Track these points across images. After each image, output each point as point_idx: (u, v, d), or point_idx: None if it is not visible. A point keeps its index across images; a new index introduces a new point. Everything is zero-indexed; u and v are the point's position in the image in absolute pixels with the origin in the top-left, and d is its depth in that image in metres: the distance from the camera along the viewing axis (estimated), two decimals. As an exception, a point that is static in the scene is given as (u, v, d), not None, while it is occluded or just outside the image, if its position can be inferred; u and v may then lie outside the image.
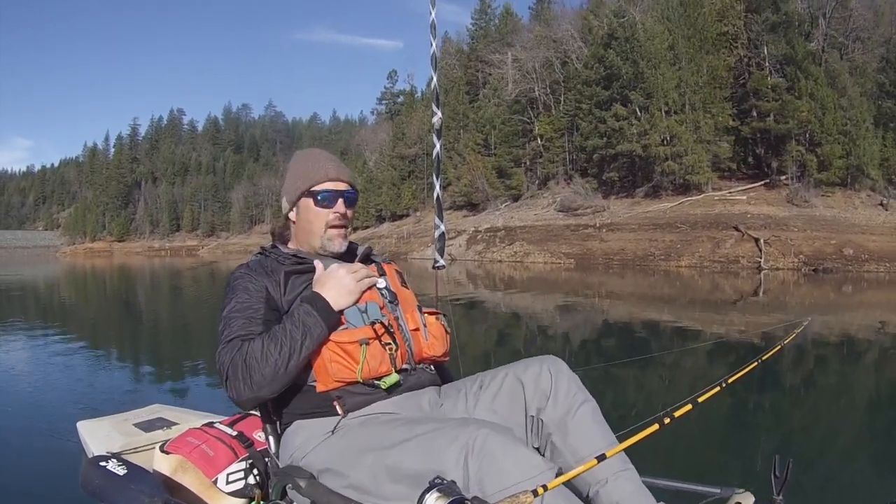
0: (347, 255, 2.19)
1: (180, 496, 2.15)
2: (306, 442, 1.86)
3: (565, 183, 42.37)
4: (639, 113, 38.01)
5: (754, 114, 36.41)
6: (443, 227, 2.76)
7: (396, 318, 2.01)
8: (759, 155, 36.57)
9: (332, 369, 1.85)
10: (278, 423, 2.01)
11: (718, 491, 1.90)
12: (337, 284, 1.93)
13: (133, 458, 2.38)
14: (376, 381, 1.88)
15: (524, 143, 47.25)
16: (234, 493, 2.15)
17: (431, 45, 2.87)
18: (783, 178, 33.76)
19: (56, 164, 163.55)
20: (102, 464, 2.24)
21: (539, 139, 45.71)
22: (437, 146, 2.86)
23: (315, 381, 1.88)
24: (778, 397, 6.16)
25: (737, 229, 28.97)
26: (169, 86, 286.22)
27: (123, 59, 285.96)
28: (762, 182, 34.70)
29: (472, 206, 47.09)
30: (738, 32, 38.73)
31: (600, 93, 40.51)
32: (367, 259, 2.20)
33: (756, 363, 2.12)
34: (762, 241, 27.27)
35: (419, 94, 72.14)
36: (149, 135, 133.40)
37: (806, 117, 32.81)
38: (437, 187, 2.82)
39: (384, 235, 49.73)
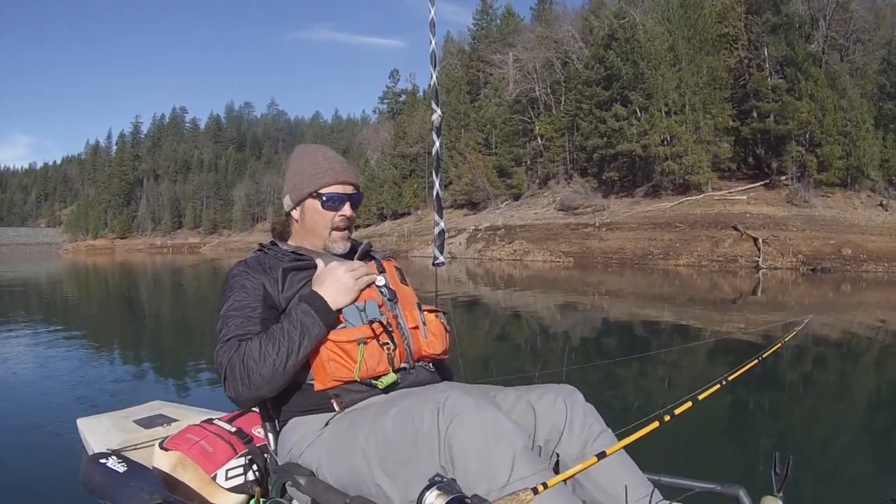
0: (347, 252, 2.20)
1: (180, 492, 2.16)
2: (303, 438, 1.87)
3: (565, 182, 42.41)
4: (639, 113, 38.04)
5: (754, 114, 36.40)
6: (442, 225, 2.79)
7: (395, 317, 2.01)
8: (759, 155, 36.57)
9: (329, 368, 1.86)
10: (277, 419, 2.02)
11: (718, 488, 1.90)
12: (335, 283, 1.93)
13: (133, 455, 2.38)
14: (374, 381, 1.88)
15: (525, 142, 47.30)
16: (234, 489, 2.17)
17: (431, 42, 2.88)
18: (783, 178, 33.77)
19: (58, 162, 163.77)
20: (102, 461, 2.23)
21: (539, 139, 45.77)
22: (437, 143, 2.85)
23: (313, 379, 1.90)
24: (778, 395, 6.19)
25: (735, 229, 29.01)
26: (172, 84, 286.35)
27: (126, 57, 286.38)
28: (762, 182, 34.71)
29: (473, 205, 47.13)
30: (738, 34, 38.77)
31: (600, 93, 40.53)
32: (366, 255, 2.20)
33: (756, 361, 2.13)
34: (761, 240, 27.31)
35: (421, 93, 72.18)
36: (151, 132, 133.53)
37: (806, 118, 32.81)
38: (437, 185, 2.84)
39: (385, 233, 49.77)
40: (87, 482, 2.21)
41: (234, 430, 2.33)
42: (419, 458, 1.56)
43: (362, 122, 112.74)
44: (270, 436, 2.02)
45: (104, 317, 14.46)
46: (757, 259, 26.57)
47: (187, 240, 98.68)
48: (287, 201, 2.17)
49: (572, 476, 1.46)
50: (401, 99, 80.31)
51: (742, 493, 1.83)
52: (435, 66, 2.93)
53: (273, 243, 2.19)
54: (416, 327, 2.05)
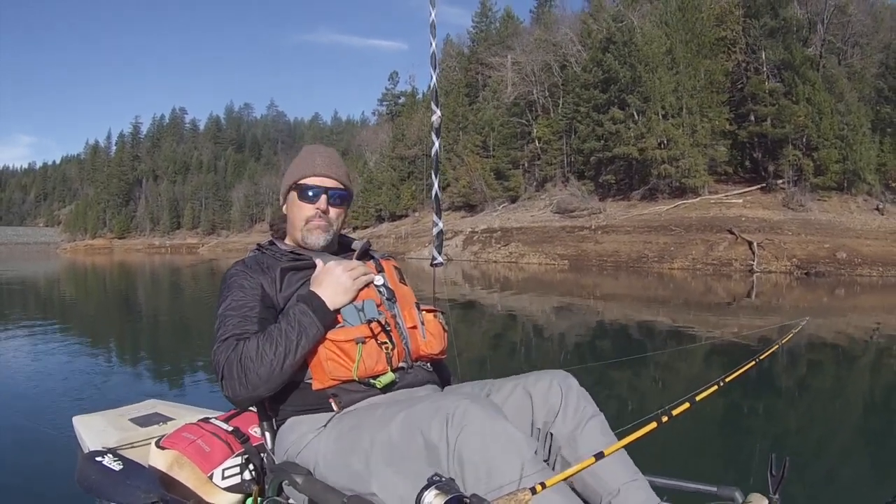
0: (345, 251, 2.22)
1: (176, 491, 2.17)
2: (301, 438, 1.86)
3: (563, 185, 42.43)
4: (636, 116, 38.09)
5: (752, 118, 36.48)
6: (441, 225, 2.81)
7: (394, 316, 2.01)
8: (756, 159, 36.60)
9: (328, 367, 1.85)
10: (274, 419, 2.00)
11: (715, 489, 1.90)
12: (333, 282, 1.92)
13: (129, 454, 2.36)
14: (372, 380, 1.88)
15: (522, 145, 47.37)
16: (230, 489, 2.17)
17: (431, 44, 2.89)
18: (780, 182, 33.80)
19: (58, 162, 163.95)
20: (98, 459, 2.21)
21: (537, 141, 45.81)
22: (436, 144, 2.86)
23: (311, 378, 1.89)
24: (774, 397, 6.24)
25: (731, 232, 29.02)
26: (171, 85, 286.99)
27: (126, 57, 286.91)
28: (759, 186, 34.76)
29: (471, 208, 47.19)
30: (736, 37, 38.81)
31: (598, 96, 40.59)
32: (365, 255, 2.21)
33: (753, 362, 2.14)
34: (755, 244, 27.32)
35: (420, 95, 72.23)
36: (150, 133, 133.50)
37: (803, 122, 32.85)
38: (436, 185, 2.85)
39: (383, 235, 49.76)
40: (82, 480, 2.20)
41: (230, 429, 2.34)
42: (425, 467, 1.54)
43: (361, 123, 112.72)
44: (268, 435, 2.02)
45: (101, 316, 14.49)
46: (751, 263, 26.60)
47: (185, 240, 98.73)
48: (281, 198, 2.21)
49: (571, 476, 1.46)
50: (400, 101, 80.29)
51: (738, 495, 1.84)
52: (435, 68, 2.95)
53: (271, 243, 2.20)
54: (415, 327, 2.05)
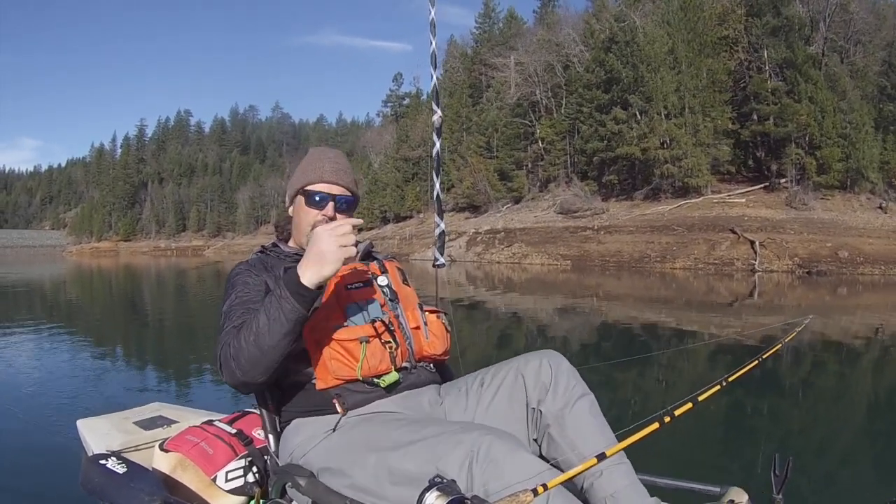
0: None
1: (180, 494, 2.16)
2: (306, 440, 1.86)
3: (566, 185, 42.44)
4: (638, 116, 38.11)
5: (754, 117, 36.40)
6: (443, 226, 2.73)
7: (397, 316, 2.01)
8: (759, 158, 36.59)
9: (331, 367, 1.85)
10: (278, 420, 2.01)
11: (718, 489, 1.88)
12: (317, 254, 1.72)
13: (133, 457, 2.34)
14: (376, 380, 1.88)
15: (526, 145, 47.36)
16: (234, 491, 2.17)
17: (431, 44, 2.82)
18: (783, 181, 33.74)
19: (63, 165, 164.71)
20: (102, 462, 2.20)
21: (540, 142, 45.82)
22: (437, 144, 2.79)
23: (315, 378, 1.89)
24: (777, 396, 6.18)
25: (733, 232, 29.01)
26: (176, 87, 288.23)
27: (131, 60, 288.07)
28: (762, 185, 34.70)
29: (475, 208, 47.28)
30: (738, 36, 38.75)
31: (601, 96, 40.60)
32: (367, 256, 2.21)
33: (756, 362, 2.11)
34: (757, 243, 27.31)
35: (424, 96, 72.11)
36: (156, 136, 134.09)
37: (805, 121, 32.78)
38: (437, 186, 2.78)
39: (387, 236, 49.88)
40: (86, 483, 2.19)
41: (234, 431, 2.33)
42: None
43: (366, 125, 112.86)
44: (271, 437, 2.02)
45: (106, 319, 14.49)
46: (753, 262, 26.58)
47: (191, 242, 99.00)
48: (286, 199, 2.20)
49: (572, 477, 1.47)
50: (404, 102, 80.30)
51: (741, 495, 1.82)
52: (435, 68, 2.91)
53: (275, 245, 2.20)
54: (418, 327, 2.05)
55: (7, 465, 4.21)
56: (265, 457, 2.16)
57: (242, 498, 2.17)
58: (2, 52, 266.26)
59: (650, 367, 7.32)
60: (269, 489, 2.03)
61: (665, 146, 36.34)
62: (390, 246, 44.48)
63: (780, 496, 1.80)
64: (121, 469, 2.15)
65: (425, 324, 2.08)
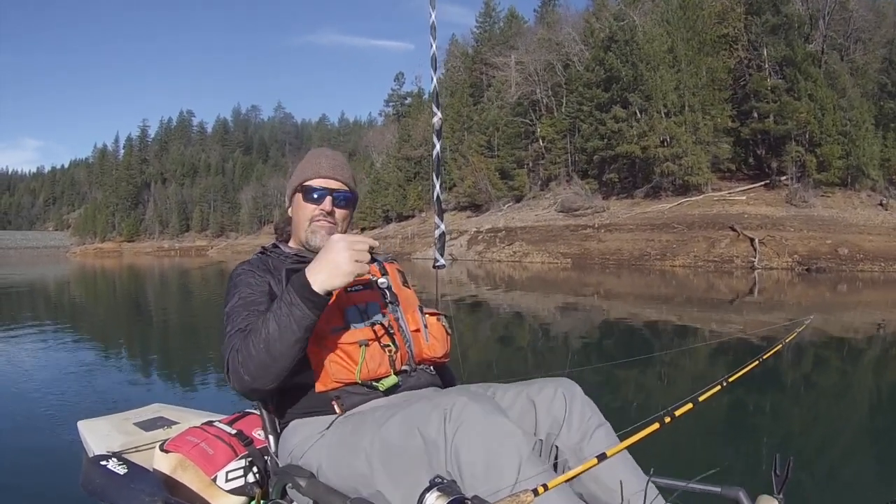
0: None
1: (180, 494, 2.15)
2: (304, 440, 1.85)
3: (567, 184, 42.57)
4: (638, 115, 38.26)
5: (754, 115, 36.50)
6: (443, 227, 2.67)
7: (397, 319, 2.00)
8: (759, 156, 36.67)
9: (331, 369, 1.85)
10: (277, 421, 2.00)
11: (719, 490, 1.87)
12: (330, 263, 1.74)
13: (133, 458, 2.34)
14: (374, 383, 1.87)
15: (526, 144, 47.54)
16: (234, 491, 2.16)
17: (432, 46, 2.79)
18: (783, 178, 33.81)
19: (66, 166, 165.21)
20: (103, 463, 2.20)
21: (541, 141, 45.96)
22: (437, 147, 2.76)
23: (314, 380, 1.88)
24: (778, 396, 6.15)
25: (733, 229, 29.10)
26: (179, 88, 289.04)
27: (132, 60, 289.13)
28: (762, 183, 34.78)
29: (476, 207, 47.43)
30: (738, 34, 38.85)
31: (601, 95, 40.75)
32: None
33: (757, 362, 2.10)
34: (757, 240, 27.39)
35: (426, 95, 72.07)
36: (158, 136, 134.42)
37: (805, 118, 32.87)
38: (437, 187, 2.74)
39: (390, 235, 50.02)
40: (87, 484, 2.19)
41: (234, 432, 2.32)
42: (425, 464, 1.53)
43: (368, 124, 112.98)
44: (271, 437, 2.02)
45: (108, 319, 14.48)
46: (752, 259, 26.64)
47: (195, 243, 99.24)
48: (286, 200, 2.21)
49: (573, 477, 1.45)
50: (406, 102, 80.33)
51: (742, 495, 1.81)
52: (435, 70, 2.88)
53: (275, 245, 2.18)
54: (418, 330, 2.04)
55: (8, 466, 4.20)
56: (265, 457, 2.16)
57: (243, 498, 2.17)
58: (2, 52, 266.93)
59: (651, 367, 7.29)
60: (270, 490, 2.04)
61: (665, 144, 36.46)
62: (392, 245, 44.59)
63: (781, 496, 1.79)
64: (121, 470, 2.17)
65: (425, 326, 2.07)
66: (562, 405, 1.79)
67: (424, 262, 33.64)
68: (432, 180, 2.73)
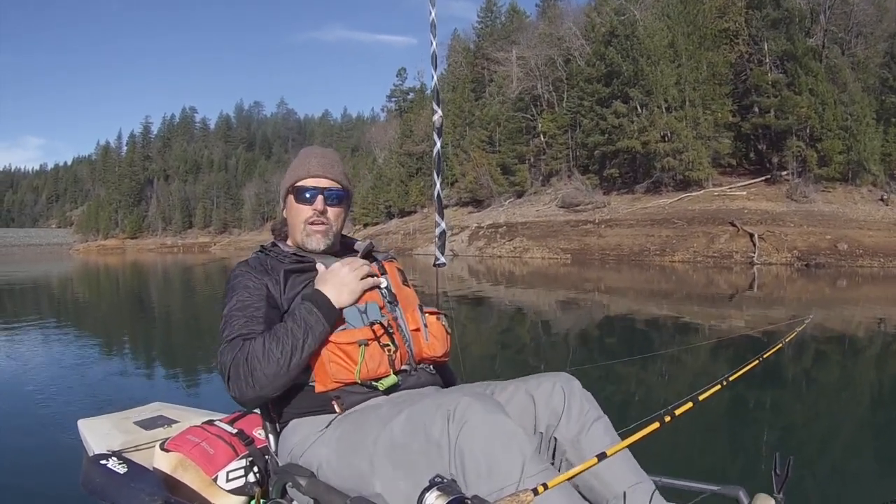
0: (348, 252, 2.22)
1: (181, 494, 2.16)
2: (304, 439, 1.86)
3: (568, 179, 42.56)
4: (639, 110, 38.20)
5: (755, 110, 36.40)
6: (443, 225, 2.69)
7: (396, 319, 2.00)
8: (760, 151, 36.61)
9: (330, 370, 1.85)
10: (277, 421, 2.00)
11: (719, 488, 1.87)
12: (338, 283, 1.92)
13: (134, 457, 2.36)
14: (374, 383, 1.87)
15: (528, 139, 47.49)
16: (234, 491, 2.17)
17: (432, 43, 2.80)
18: (784, 173, 33.76)
19: (69, 163, 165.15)
20: (103, 462, 2.22)
21: (542, 136, 45.91)
22: (438, 144, 2.77)
23: (314, 381, 1.88)
24: (778, 394, 6.14)
25: (732, 224, 29.11)
26: (181, 84, 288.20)
27: (134, 58, 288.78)
28: (763, 178, 34.73)
29: (478, 203, 47.35)
30: (739, 29, 38.77)
31: (601, 90, 40.70)
32: (368, 256, 2.20)
33: (758, 361, 2.10)
34: (756, 236, 27.40)
35: (428, 91, 71.91)
36: (161, 133, 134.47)
37: (806, 113, 32.79)
38: (438, 185, 2.75)
39: (392, 231, 50.09)
40: (87, 483, 2.21)
41: (234, 431, 2.34)
42: (428, 464, 1.53)
43: (371, 120, 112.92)
44: (271, 437, 2.02)
45: (109, 317, 14.48)
46: (752, 255, 26.63)
47: (198, 239, 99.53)
48: (280, 202, 2.22)
49: (573, 477, 1.47)
50: (409, 97, 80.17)
51: (742, 494, 1.81)
52: (436, 68, 2.91)
53: (274, 244, 2.19)
54: (418, 329, 2.04)
55: (8, 465, 4.21)
56: (266, 457, 2.17)
57: (243, 498, 2.18)
58: (4, 51, 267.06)
59: (651, 366, 7.30)
60: (270, 489, 2.04)
61: (665, 139, 36.44)
62: (394, 241, 44.60)
63: (781, 495, 1.79)
64: (121, 469, 2.19)
65: (425, 325, 2.07)
66: (560, 398, 1.81)
67: (426, 258, 33.62)
68: (433, 178, 2.75)
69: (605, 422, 1.82)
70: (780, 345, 2.40)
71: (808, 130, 33.27)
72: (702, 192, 34.52)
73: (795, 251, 26.26)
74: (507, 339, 10.47)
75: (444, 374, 2.18)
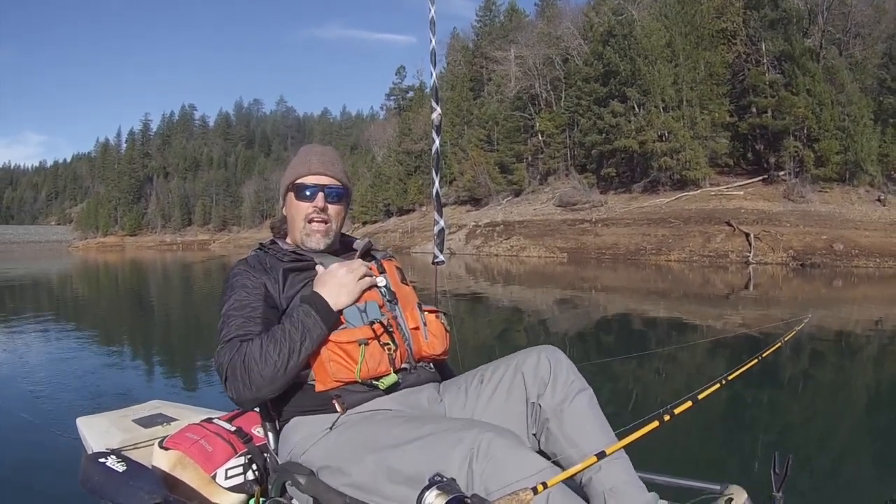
0: (347, 251, 2.22)
1: (179, 492, 2.16)
2: (305, 439, 1.86)
3: (565, 178, 42.65)
4: (636, 109, 38.27)
5: (753, 110, 36.49)
6: (442, 223, 2.70)
7: (396, 317, 2.00)
8: (757, 151, 36.64)
9: (331, 369, 1.85)
10: (277, 419, 2.00)
11: (718, 487, 1.87)
12: (337, 284, 1.92)
13: (132, 455, 2.36)
14: (375, 381, 1.87)
15: (526, 138, 47.56)
16: (233, 489, 2.17)
17: (431, 41, 2.81)
18: (781, 173, 33.80)
19: (68, 160, 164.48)
20: (102, 460, 2.21)
21: (540, 135, 45.95)
22: (437, 142, 2.76)
23: (314, 380, 1.88)
24: (777, 394, 6.15)
25: (729, 224, 29.19)
26: (181, 82, 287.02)
27: (135, 55, 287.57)
28: (760, 178, 34.77)
29: (476, 201, 47.40)
30: (736, 29, 38.83)
31: (599, 89, 40.74)
32: (366, 255, 2.20)
33: (756, 360, 2.11)
34: (752, 235, 27.47)
35: (427, 89, 71.56)
36: (160, 130, 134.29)
37: (803, 113, 32.83)
38: (436, 183, 2.75)
39: (390, 229, 50.10)
40: (86, 481, 2.19)
41: (233, 429, 2.34)
42: None
43: (370, 118, 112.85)
44: (270, 435, 2.02)
45: (108, 314, 14.45)
46: (747, 254, 26.67)
47: (197, 237, 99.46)
48: (280, 200, 2.22)
49: (573, 475, 1.47)
50: (408, 95, 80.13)
51: (740, 493, 1.82)
52: (434, 65, 2.90)
53: (273, 242, 2.19)
54: (417, 328, 2.04)
55: (6, 463, 4.21)
56: (265, 455, 2.17)
57: (242, 496, 2.18)
58: (5, 48, 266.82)
59: (649, 364, 7.31)
60: (269, 487, 2.04)
61: (663, 139, 36.51)
62: (392, 239, 44.66)
63: (780, 494, 1.80)
64: (120, 467, 2.18)
65: (424, 324, 2.08)
66: (547, 368, 1.85)
67: (424, 256, 33.65)
68: (432, 176, 2.77)
69: (590, 393, 1.85)
70: (780, 344, 2.43)
71: (805, 131, 33.31)
72: (699, 191, 34.57)
73: (791, 251, 26.31)
74: (504, 336, 10.50)
75: (444, 371, 2.20)
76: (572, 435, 1.78)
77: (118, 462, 2.20)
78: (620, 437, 1.66)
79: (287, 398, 1.91)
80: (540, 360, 1.87)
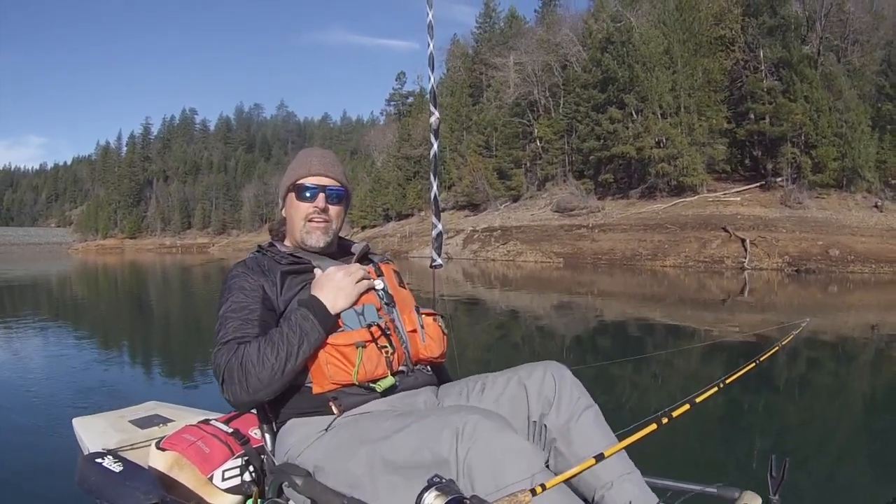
0: (345, 254, 2.22)
1: (176, 493, 2.16)
2: (302, 440, 1.86)
3: (563, 184, 42.56)
4: (634, 115, 38.30)
5: (751, 116, 36.50)
6: (440, 227, 2.69)
7: (393, 320, 2.01)
8: (755, 157, 36.62)
9: (328, 371, 1.85)
10: (274, 421, 2.00)
11: (715, 490, 1.88)
12: (334, 287, 1.93)
13: (129, 455, 2.37)
14: (372, 384, 1.87)
15: (524, 144, 47.55)
16: (230, 490, 2.17)
17: (429, 46, 2.82)
18: (779, 180, 33.77)
19: (69, 162, 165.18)
20: (98, 461, 2.22)
21: (538, 141, 45.91)
22: (435, 146, 2.75)
23: (311, 382, 1.89)
24: (774, 397, 6.20)
25: (725, 230, 29.16)
26: (182, 86, 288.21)
27: (136, 58, 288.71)
28: (758, 184, 34.77)
29: (474, 207, 47.38)
30: (734, 36, 38.82)
31: (597, 96, 40.76)
32: (364, 258, 2.21)
33: (754, 364, 2.12)
34: (748, 241, 27.46)
35: (427, 95, 71.62)
36: (161, 134, 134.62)
37: (800, 120, 32.81)
38: (434, 188, 2.74)
39: (389, 234, 50.09)
40: (82, 482, 2.21)
41: (230, 430, 2.34)
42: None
43: (371, 123, 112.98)
44: (268, 436, 2.02)
45: (106, 316, 14.49)
46: (743, 260, 26.68)
47: (196, 240, 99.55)
48: (280, 202, 2.21)
49: (570, 477, 1.48)
50: (408, 101, 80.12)
51: (738, 496, 1.83)
52: (433, 70, 2.93)
53: (272, 244, 2.19)
54: (414, 331, 2.05)
55: (3, 464, 4.21)
56: (262, 456, 2.17)
57: (239, 497, 2.18)
58: (6, 51, 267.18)
59: (647, 368, 7.31)
60: (266, 488, 2.03)
61: (660, 145, 36.49)
62: (391, 244, 44.69)
63: (777, 497, 1.80)
64: (117, 468, 2.18)
65: (422, 327, 2.08)
66: (552, 387, 1.85)
67: (422, 260, 33.73)
68: (430, 180, 2.77)
69: (595, 410, 1.87)
70: (777, 348, 2.44)
71: (802, 137, 33.25)
72: (696, 197, 34.56)
73: (787, 256, 26.31)
74: (501, 340, 10.55)
75: (441, 374, 2.20)
76: (580, 452, 1.78)
77: (115, 463, 2.22)
78: (619, 439, 1.70)
79: (284, 400, 1.92)
80: (545, 377, 1.88)
